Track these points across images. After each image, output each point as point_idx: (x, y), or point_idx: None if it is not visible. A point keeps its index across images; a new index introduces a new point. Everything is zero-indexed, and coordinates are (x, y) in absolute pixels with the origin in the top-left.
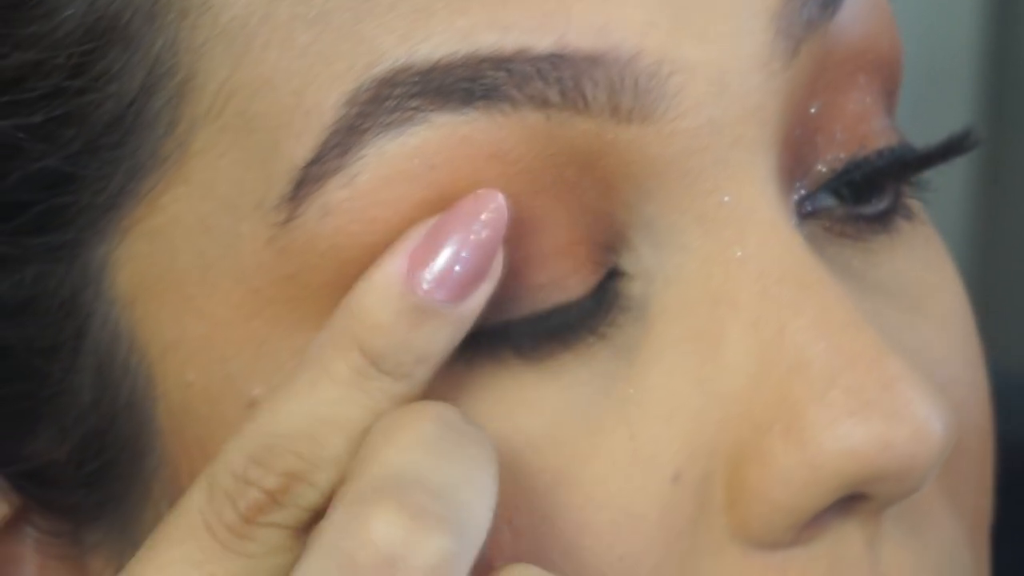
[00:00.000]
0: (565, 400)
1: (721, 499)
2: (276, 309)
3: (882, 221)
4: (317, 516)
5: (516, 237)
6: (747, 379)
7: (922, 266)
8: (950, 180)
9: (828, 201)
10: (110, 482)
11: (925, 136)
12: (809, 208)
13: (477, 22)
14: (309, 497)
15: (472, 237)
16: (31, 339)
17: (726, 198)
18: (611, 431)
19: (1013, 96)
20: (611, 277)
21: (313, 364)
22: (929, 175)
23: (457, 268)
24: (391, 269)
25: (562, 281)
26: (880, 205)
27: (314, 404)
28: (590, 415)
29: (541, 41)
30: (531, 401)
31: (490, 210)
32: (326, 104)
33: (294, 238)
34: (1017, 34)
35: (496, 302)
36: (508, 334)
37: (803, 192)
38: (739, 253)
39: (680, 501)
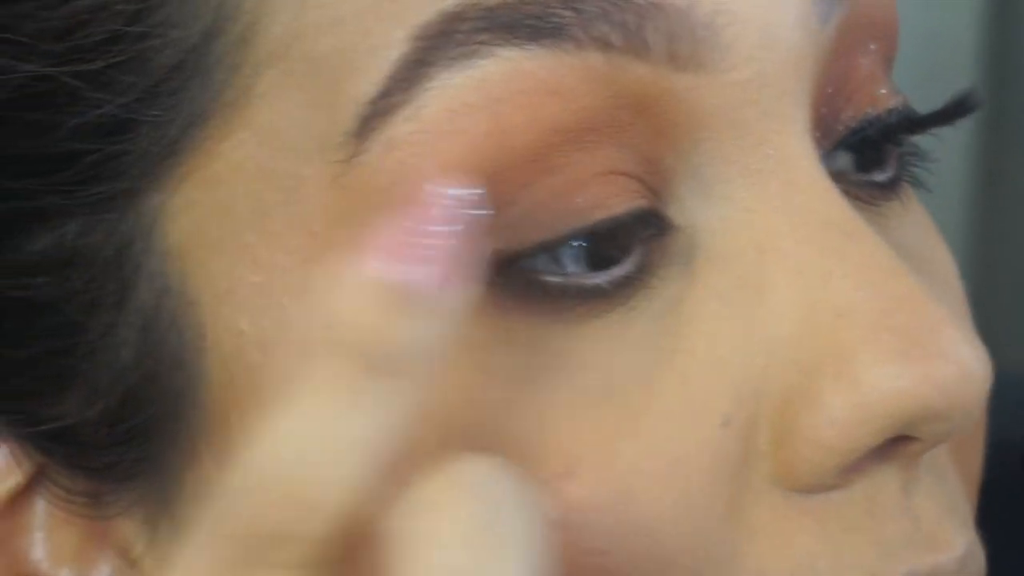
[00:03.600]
0: (619, 356)
1: (766, 443)
2: (337, 252)
3: (892, 188)
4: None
5: (562, 163)
6: (794, 325)
7: (925, 233)
8: (950, 180)
9: (844, 161)
10: (148, 441)
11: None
12: (830, 168)
13: None
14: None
15: (435, 215)
16: (73, 295)
17: (771, 151)
18: (662, 381)
19: (1013, 96)
20: (656, 224)
21: (300, 387)
22: (929, 175)
23: (430, 250)
24: (358, 267)
25: (605, 199)
26: (888, 172)
27: (312, 430)
28: (642, 368)
29: None
30: (587, 362)
31: (449, 197)
32: (393, 39)
33: (357, 175)
34: (1017, 34)
35: (540, 222)
36: (560, 264)
37: (824, 150)
38: (782, 203)
39: (729, 445)
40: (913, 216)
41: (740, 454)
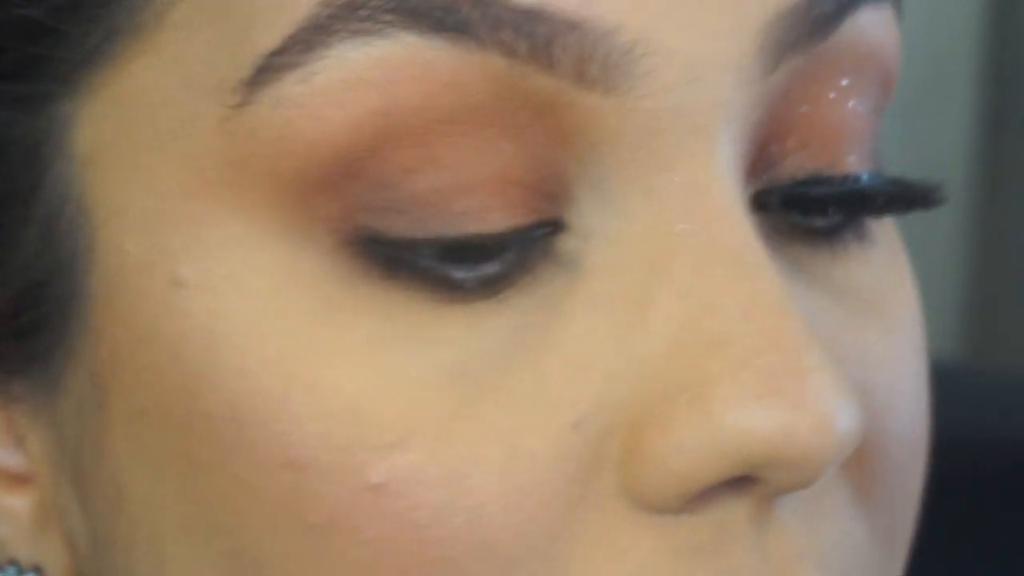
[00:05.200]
0: (478, 340)
1: (617, 456)
2: (216, 192)
3: (828, 237)
4: None
5: (451, 159)
6: (667, 346)
7: (887, 274)
8: (950, 182)
9: (784, 206)
10: (38, 338)
11: (923, 138)
12: (764, 203)
13: None
14: None
15: None
16: None
17: (678, 178)
18: (518, 371)
19: (1013, 97)
20: (545, 227)
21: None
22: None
23: None
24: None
25: (485, 213)
26: (832, 220)
27: None
28: (501, 355)
29: None
30: (443, 338)
31: None
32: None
33: (244, 123)
34: (1017, 34)
35: (414, 218)
36: (421, 256)
37: (761, 185)
38: (682, 227)
39: (577, 448)
40: (876, 255)
41: (589, 459)
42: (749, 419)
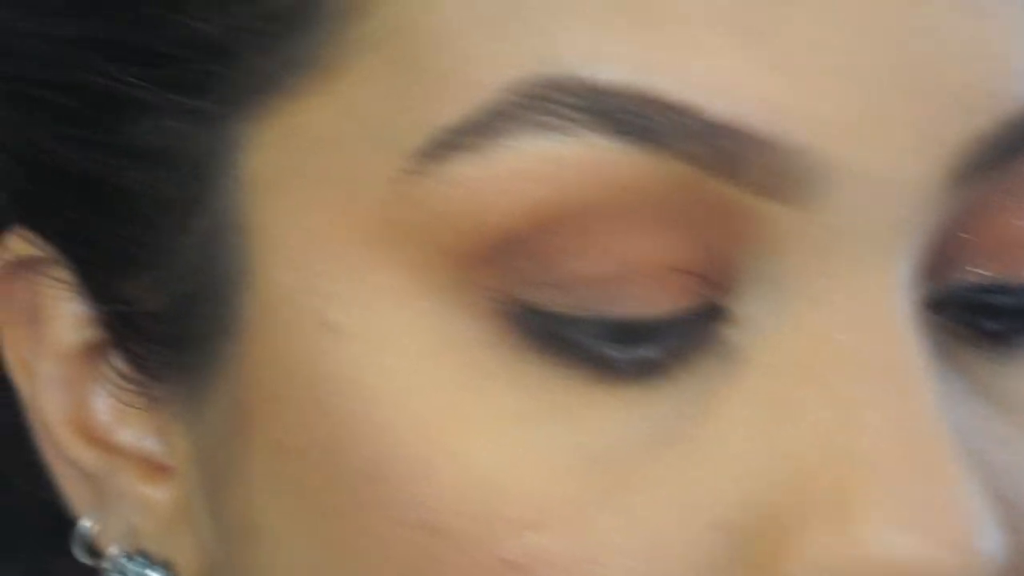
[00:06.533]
0: (626, 427)
1: (753, 561)
2: (376, 244)
3: (998, 341)
4: None
5: (619, 247)
6: (814, 455)
7: None
8: None
9: (957, 307)
10: (187, 350)
11: None
12: (938, 305)
13: (660, 61)
14: None
15: None
16: (152, 188)
17: (847, 288)
18: (663, 462)
19: None
20: (707, 314)
21: None
22: None
23: None
24: None
25: (650, 297)
26: (1006, 325)
27: None
28: (647, 444)
29: (715, 105)
30: (591, 420)
31: None
32: (489, 82)
33: (413, 189)
34: None
35: (576, 296)
36: (580, 333)
37: (936, 286)
38: (844, 336)
39: (715, 547)
40: None
41: (725, 560)
42: (890, 548)
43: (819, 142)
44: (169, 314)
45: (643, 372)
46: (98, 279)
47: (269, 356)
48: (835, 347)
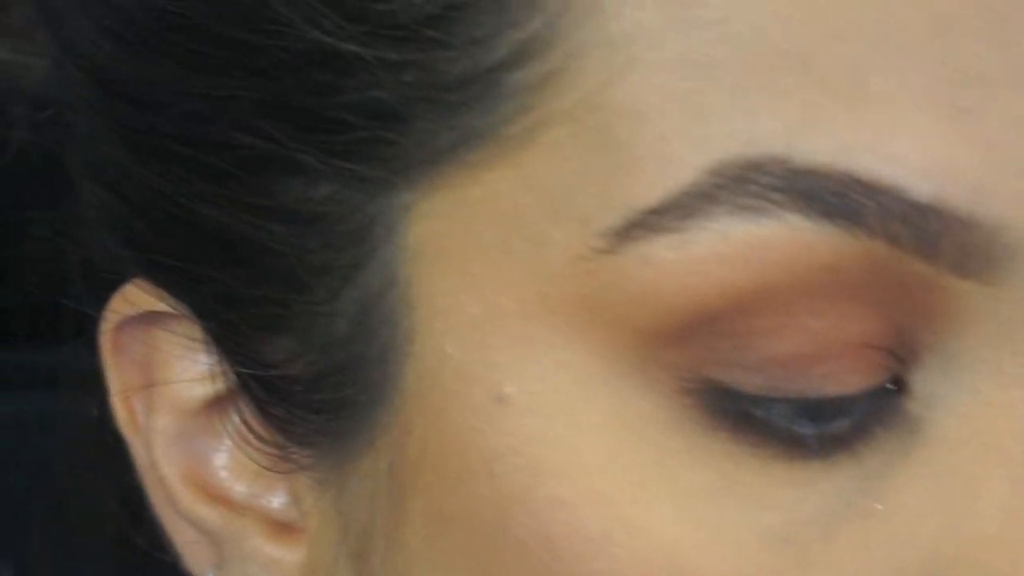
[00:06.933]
0: (807, 503)
1: None
2: (556, 318)
3: None
4: None
5: (815, 327)
6: (994, 533)
7: None
8: None
9: None
10: (337, 417)
11: None
12: None
13: (863, 142)
14: None
15: None
16: (306, 252)
17: None
18: (844, 539)
19: None
20: (891, 389)
21: None
22: None
23: None
24: None
25: (844, 376)
26: None
27: None
28: (828, 520)
29: (920, 186)
30: (772, 497)
31: None
32: (689, 162)
33: (602, 268)
34: None
35: (769, 377)
36: (771, 413)
37: None
38: None
39: None
40: None
41: None
42: None
43: (1019, 220)
44: (317, 380)
45: (828, 447)
46: (234, 338)
47: (432, 426)
48: (1017, 422)
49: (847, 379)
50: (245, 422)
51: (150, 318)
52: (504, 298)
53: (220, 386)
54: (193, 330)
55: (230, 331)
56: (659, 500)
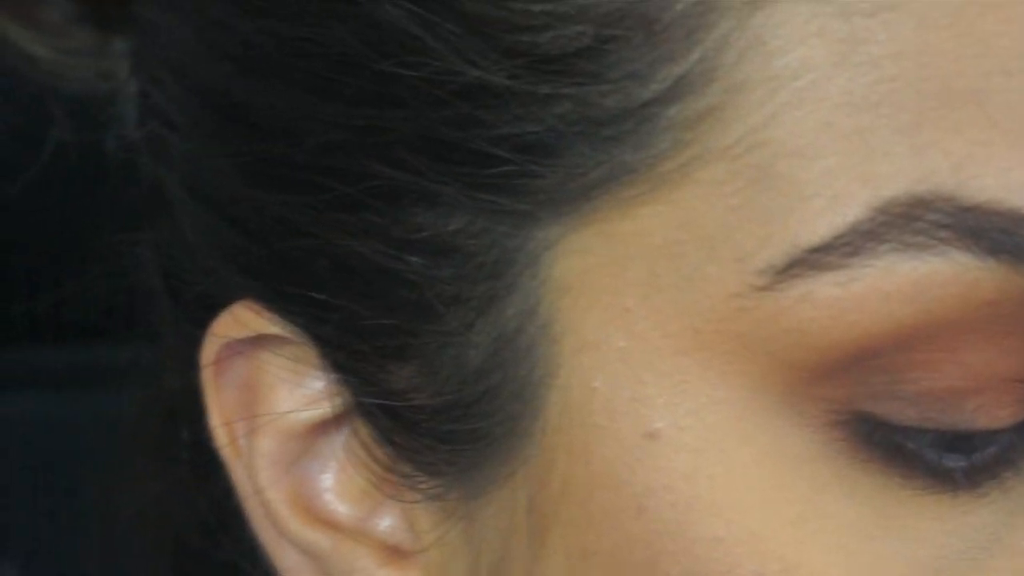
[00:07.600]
0: (956, 536)
1: None
2: (710, 356)
3: None
4: None
5: (973, 361)
6: None
7: None
8: None
9: None
10: (470, 448)
11: None
12: None
13: None
14: None
15: None
16: (440, 282)
17: None
18: (992, 573)
19: None
20: None
21: None
22: None
23: None
24: None
25: (995, 410)
26: None
27: None
28: (975, 554)
29: None
30: (922, 530)
31: None
32: (857, 200)
33: (761, 306)
34: None
35: (924, 410)
36: (923, 446)
37: None
38: None
39: None
40: None
41: None
42: None
43: None
44: (446, 409)
45: (976, 480)
46: (357, 365)
47: (579, 464)
48: None
49: (998, 412)
50: (365, 447)
51: (257, 340)
52: (655, 333)
53: (327, 409)
54: (301, 353)
55: (353, 357)
56: (813, 536)
